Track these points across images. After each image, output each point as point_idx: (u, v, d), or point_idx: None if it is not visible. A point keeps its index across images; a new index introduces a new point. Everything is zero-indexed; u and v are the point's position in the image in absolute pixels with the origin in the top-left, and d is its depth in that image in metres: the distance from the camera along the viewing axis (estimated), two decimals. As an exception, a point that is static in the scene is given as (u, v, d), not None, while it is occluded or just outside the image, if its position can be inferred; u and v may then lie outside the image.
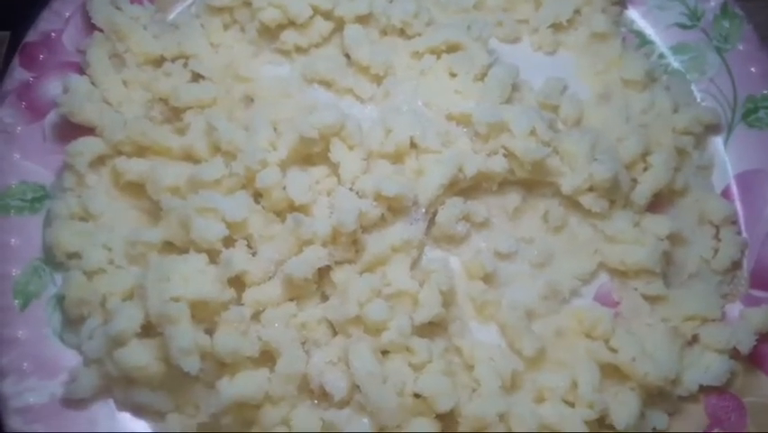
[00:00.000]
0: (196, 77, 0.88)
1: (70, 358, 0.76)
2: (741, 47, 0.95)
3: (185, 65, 0.88)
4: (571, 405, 0.76)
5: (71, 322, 0.77)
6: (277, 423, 0.73)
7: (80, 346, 0.76)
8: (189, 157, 0.82)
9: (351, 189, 0.79)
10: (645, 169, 0.87)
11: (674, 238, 0.85)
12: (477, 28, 0.91)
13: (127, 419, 0.75)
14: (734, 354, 0.82)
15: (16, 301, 0.78)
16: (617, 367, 0.78)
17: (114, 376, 0.73)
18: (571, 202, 0.85)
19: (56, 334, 0.78)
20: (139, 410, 0.75)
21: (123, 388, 0.74)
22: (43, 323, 0.78)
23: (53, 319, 0.78)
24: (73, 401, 0.75)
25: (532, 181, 0.85)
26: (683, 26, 0.97)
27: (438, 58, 0.90)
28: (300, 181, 0.79)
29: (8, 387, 0.75)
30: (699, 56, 0.96)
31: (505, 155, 0.83)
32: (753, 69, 0.94)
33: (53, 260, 0.80)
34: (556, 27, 0.95)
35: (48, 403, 0.74)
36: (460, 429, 0.74)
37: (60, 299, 0.78)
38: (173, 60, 0.89)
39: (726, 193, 0.91)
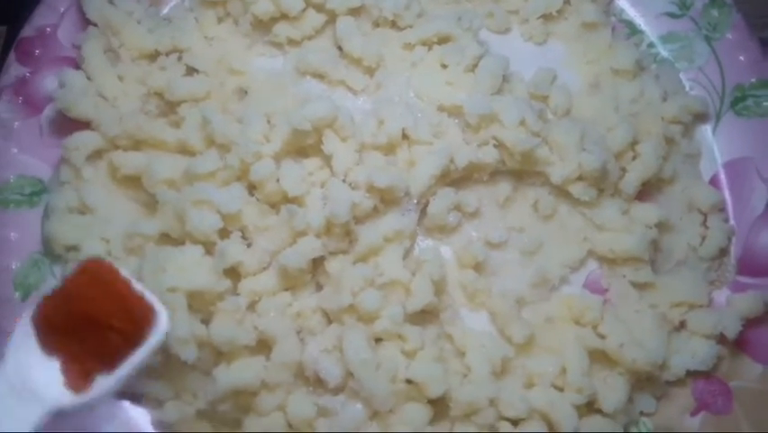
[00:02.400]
0: (191, 70, 0.89)
1: (70, 348, 0.78)
2: (730, 36, 0.96)
3: (179, 59, 0.89)
4: (561, 390, 0.78)
5: (71, 313, 0.79)
6: (273, 409, 0.75)
7: (80, 337, 0.77)
8: (184, 150, 0.83)
9: (343, 181, 0.80)
10: (634, 158, 0.88)
11: (662, 226, 0.86)
12: (467, 19, 0.92)
13: (126, 407, 0.77)
14: (720, 339, 0.83)
15: (17, 293, 0.80)
16: (606, 353, 0.80)
17: (113, 365, 0.74)
18: (561, 191, 0.86)
19: (56, 325, 0.79)
20: (138, 398, 0.77)
21: (122, 377, 0.76)
22: (43, 314, 0.79)
23: (53, 311, 0.80)
24: (74, 390, 0.76)
25: (522, 171, 0.86)
26: (672, 15, 0.98)
27: (429, 49, 0.91)
28: (294, 173, 0.80)
29: (10, 377, 0.76)
30: (688, 45, 0.97)
31: (495, 146, 0.84)
32: (741, 58, 0.95)
33: (52, 252, 0.81)
34: (546, 17, 0.96)
35: (49, 392, 0.76)
36: (451, 414, 0.76)
37: (60, 291, 0.79)
38: (167, 54, 0.89)
39: (714, 181, 0.92)
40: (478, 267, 0.83)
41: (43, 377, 0.57)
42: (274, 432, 0.74)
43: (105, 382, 0.58)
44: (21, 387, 0.57)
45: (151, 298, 0.61)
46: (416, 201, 0.82)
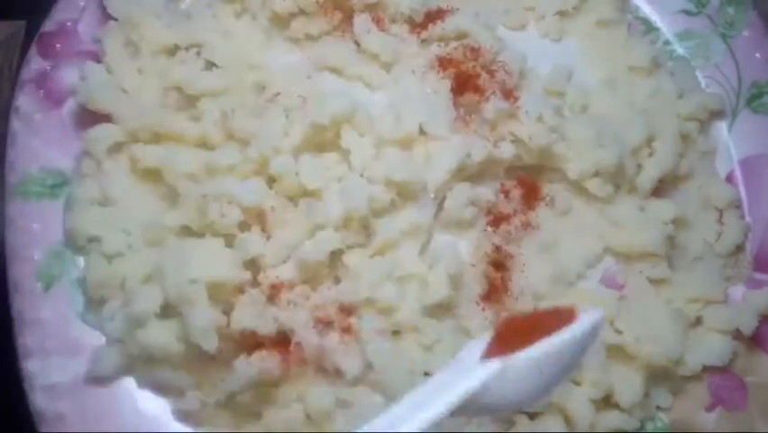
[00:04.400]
0: (210, 65, 0.89)
1: (93, 338, 0.78)
2: (746, 33, 0.96)
3: (198, 53, 0.90)
4: (577, 384, 0.78)
5: (93, 304, 0.79)
6: (292, 400, 0.75)
7: (102, 327, 0.78)
8: (204, 144, 0.83)
9: (361, 175, 0.81)
10: (650, 154, 0.88)
11: (679, 222, 0.86)
12: (484, 15, 0.93)
13: (147, 397, 0.77)
14: (736, 335, 0.84)
15: (39, 284, 0.80)
16: (622, 348, 0.80)
17: (135, 355, 0.75)
18: (577, 187, 0.87)
19: (78, 315, 0.79)
20: (159, 388, 0.77)
21: (143, 367, 0.76)
22: (66, 305, 0.80)
23: (75, 301, 0.80)
24: (96, 380, 0.77)
25: (539, 167, 0.87)
26: (689, 13, 0.98)
27: (446, 45, 0.91)
28: (312, 167, 0.80)
29: (33, 366, 0.77)
30: (705, 42, 0.97)
31: (512, 141, 0.84)
32: (758, 55, 0.95)
33: (74, 244, 0.81)
34: (562, 14, 0.97)
35: (71, 381, 0.76)
36: (469, 407, 0.76)
37: (82, 282, 0.80)
38: (186, 49, 0.90)
39: (730, 178, 0.92)
40: (494, 262, 0.83)
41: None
42: (293, 425, 0.75)
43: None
44: None
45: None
46: (432, 196, 0.83)
